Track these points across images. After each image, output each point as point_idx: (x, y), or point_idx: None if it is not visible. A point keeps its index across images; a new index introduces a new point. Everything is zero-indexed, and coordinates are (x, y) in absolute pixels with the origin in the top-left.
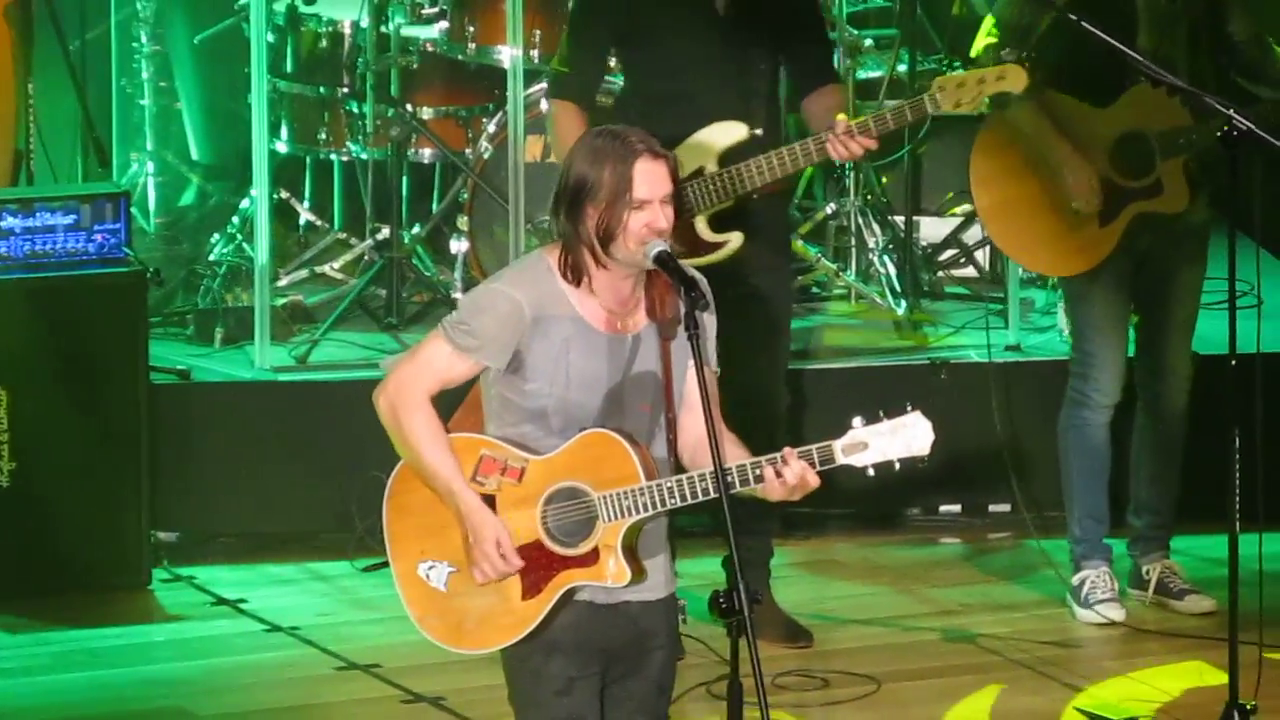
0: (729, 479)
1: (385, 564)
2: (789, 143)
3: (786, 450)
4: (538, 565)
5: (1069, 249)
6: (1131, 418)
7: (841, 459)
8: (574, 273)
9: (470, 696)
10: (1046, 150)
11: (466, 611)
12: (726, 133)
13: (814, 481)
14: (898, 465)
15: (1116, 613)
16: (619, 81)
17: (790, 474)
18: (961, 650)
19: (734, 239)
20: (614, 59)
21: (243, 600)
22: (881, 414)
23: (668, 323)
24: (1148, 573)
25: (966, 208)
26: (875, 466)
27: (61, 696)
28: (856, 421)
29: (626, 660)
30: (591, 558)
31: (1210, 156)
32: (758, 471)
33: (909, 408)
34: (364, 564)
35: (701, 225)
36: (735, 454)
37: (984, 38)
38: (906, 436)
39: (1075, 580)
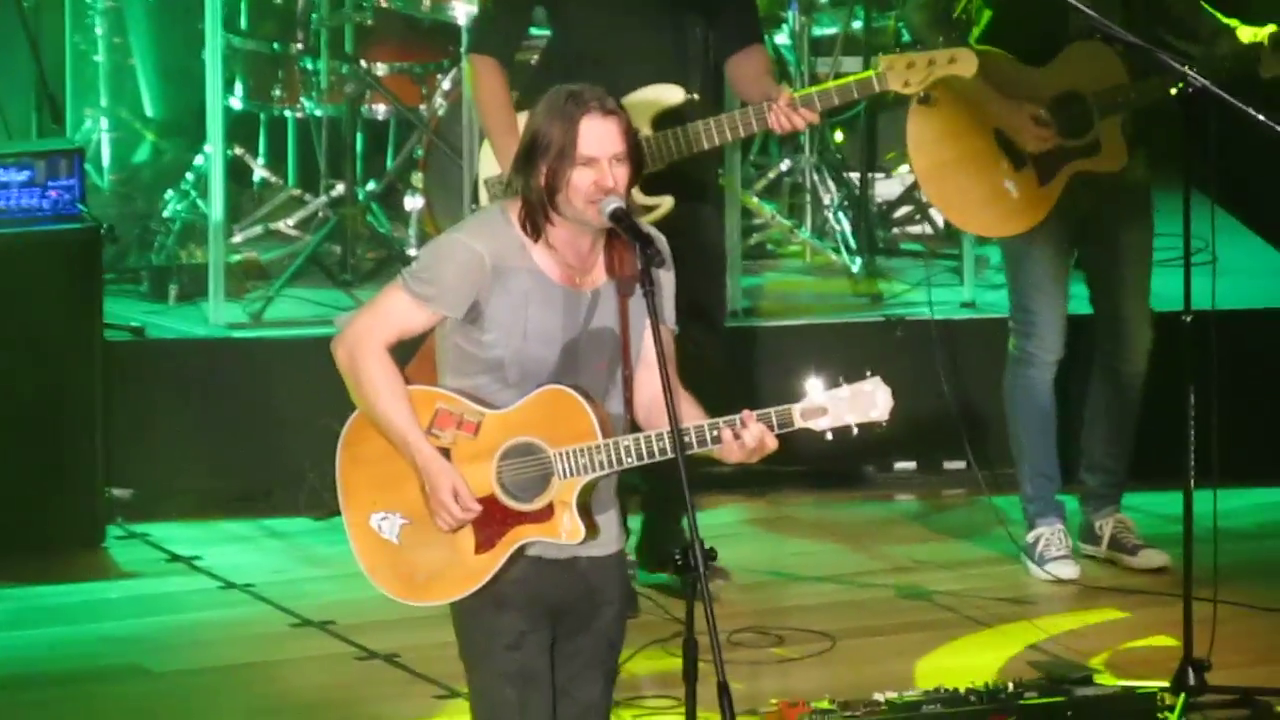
0: (686, 440)
1: (339, 512)
2: (730, 107)
3: (745, 413)
4: (491, 520)
5: (1008, 210)
6: (1076, 374)
7: (800, 423)
8: (531, 227)
9: (424, 653)
10: (983, 107)
11: (418, 564)
12: (662, 95)
13: (772, 444)
14: (855, 430)
15: (1070, 570)
16: (544, 33)
17: (749, 436)
18: (916, 607)
19: (665, 202)
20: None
21: (197, 557)
22: (841, 379)
23: (626, 280)
24: (1100, 528)
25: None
26: (833, 431)
27: (16, 653)
28: (816, 385)
29: (577, 616)
30: (546, 514)
31: (1149, 115)
32: (715, 433)
33: (868, 374)
34: (319, 514)
35: (633, 188)
36: (691, 414)
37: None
38: (865, 403)
39: (1029, 538)
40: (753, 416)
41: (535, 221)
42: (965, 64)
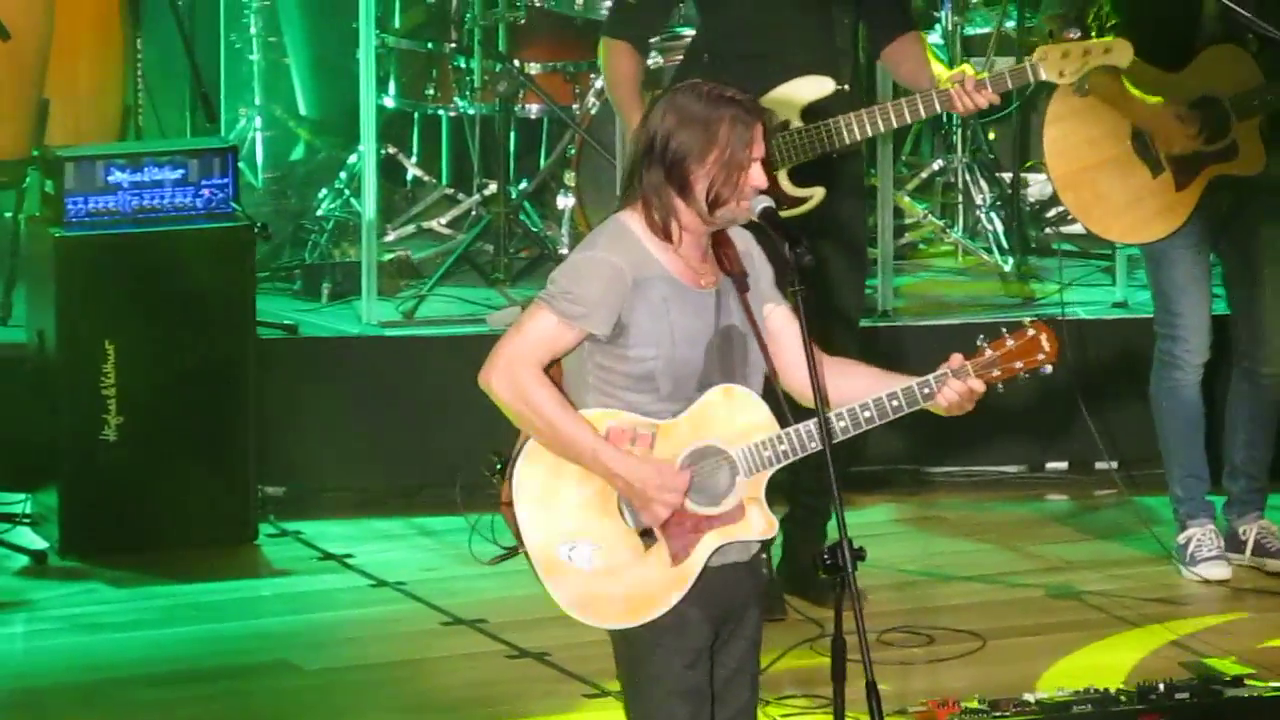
0: (896, 403)
1: (512, 553)
2: (869, 97)
3: (936, 375)
4: (682, 529)
5: (1146, 215)
6: (1225, 374)
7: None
8: (665, 231)
9: (575, 652)
10: (1125, 108)
11: (617, 586)
12: (813, 87)
13: (980, 388)
14: (1024, 376)
15: (1222, 571)
16: (684, 33)
17: (961, 384)
18: (1067, 607)
19: (817, 194)
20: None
21: (349, 555)
22: (1003, 330)
23: (738, 276)
24: (1244, 533)
25: None
26: (1003, 383)
27: (169, 650)
28: (980, 339)
29: (732, 621)
30: (737, 513)
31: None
32: (926, 391)
33: (1027, 320)
34: (493, 559)
35: (784, 179)
36: (873, 374)
37: (1048, 6)
38: (1031, 348)
39: (1180, 539)
40: (947, 375)
41: (673, 226)
42: (1121, 53)
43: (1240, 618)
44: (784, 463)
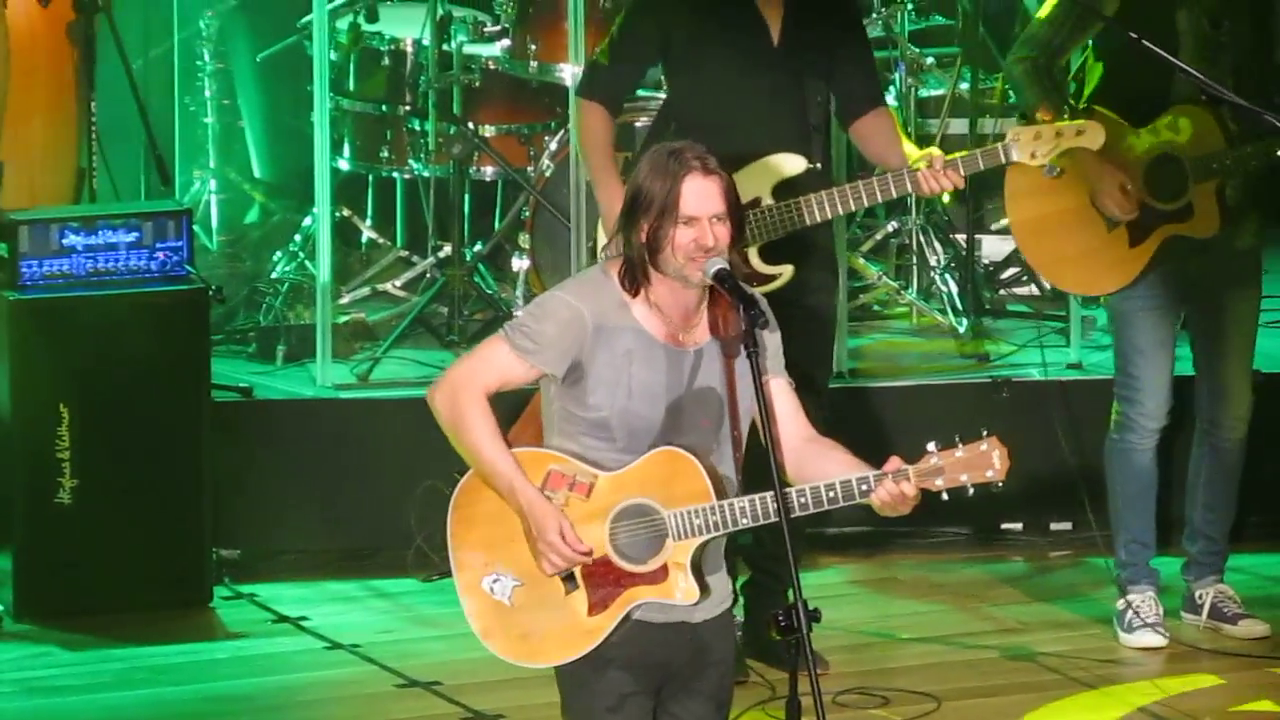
0: (832, 494)
1: (447, 574)
2: (841, 175)
3: (876, 473)
4: (605, 581)
5: (1098, 268)
6: (1184, 438)
7: (916, 483)
8: (630, 283)
9: (530, 714)
10: (1079, 164)
11: (531, 626)
12: (785, 165)
13: (911, 493)
14: (971, 490)
15: (1154, 639)
16: (654, 95)
17: (894, 488)
18: (1022, 668)
19: (785, 272)
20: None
21: (304, 617)
22: (957, 439)
23: (730, 340)
24: (1201, 597)
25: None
26: (949, 491)
27: (124, 714)
28: (931, 446)
29: (684, 677)
30: (660, 575)
31: (1259, 180)
32: (864, 487)
33: (984, 433)
34: (426, 575)
35: (753, 256)
36: (845, 462)
37: (1018, 49)
38: (981, 462)
39: (1119, 605)
40: (885, 476)
41: (634, 278)
42: (1093, 136)
43: (1194, 679)
44: (713, 534)
